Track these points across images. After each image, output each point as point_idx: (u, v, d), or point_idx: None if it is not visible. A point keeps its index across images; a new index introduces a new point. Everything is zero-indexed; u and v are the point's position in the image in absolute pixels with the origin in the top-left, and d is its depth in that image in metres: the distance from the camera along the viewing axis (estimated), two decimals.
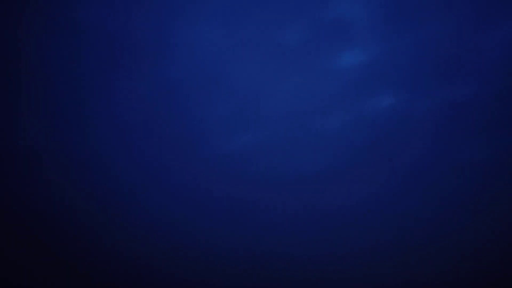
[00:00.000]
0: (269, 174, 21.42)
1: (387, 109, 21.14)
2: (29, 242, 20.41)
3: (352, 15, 20.68)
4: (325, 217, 21.16)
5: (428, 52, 19.85)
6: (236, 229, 21.41)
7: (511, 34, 18.60)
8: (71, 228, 21.22)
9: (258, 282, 21.11)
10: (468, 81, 19.56)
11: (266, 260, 20.76)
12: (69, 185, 21.13)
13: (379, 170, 21.84)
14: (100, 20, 20.35)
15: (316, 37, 20.78)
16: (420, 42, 19.96)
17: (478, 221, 20.15)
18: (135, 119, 20.34)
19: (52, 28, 18.68)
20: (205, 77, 20.92)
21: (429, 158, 20.86)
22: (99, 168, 20.64)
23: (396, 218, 21.58)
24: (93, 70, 19.86)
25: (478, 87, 19.57)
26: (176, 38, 20.68)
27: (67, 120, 20.44)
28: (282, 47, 20.95)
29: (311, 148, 21.61)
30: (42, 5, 18.22)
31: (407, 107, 20.47)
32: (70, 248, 21.32)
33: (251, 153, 21.39)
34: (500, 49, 18.73)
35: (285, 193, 21.19)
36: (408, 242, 20.76)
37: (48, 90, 19.31)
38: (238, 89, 20.94)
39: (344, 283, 21.04)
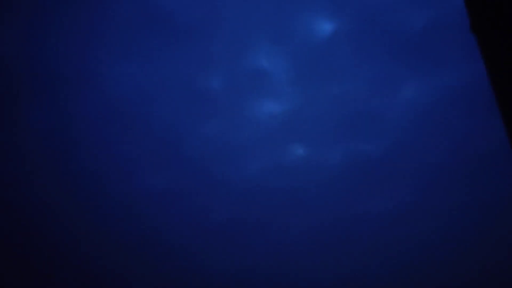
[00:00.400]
0: (184, 220, 21.27)
1: (301, 158, 22.13)
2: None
3: (271, 67, 21.76)
4: (232, 277, 21.23)
5: (339, 107, 21.21)
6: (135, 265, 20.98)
7: (411, 96, 20.38)
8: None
9: None
10: (373, 136, 21.02)
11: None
12: None
13: (293, 217, 22.50)
14: (16, 50, 19.91)
15: (236, 85, 21.56)
16: (332, 98, 21.30)
17: (384, 265, 21.09)
18: (44, 151, 19.75)
19: None
20: (123, 113, 20.85)
21: (339, 207, 21.88)
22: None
23: (307, 265, 22.11)
24: (4, 98, 19.28)
25: (382, 142, 21.07)
26: (95, 72, 20.59)
27: None
28: (203, 92, 21.50)
29: (226, 194, 21.86)
30: None
31: (319, 157, 21.55)
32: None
33: (166, 194, 21.35)
34: (402, 109, 20.42)
35: (196, 243, 20.99)
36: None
37: None
38: (157, 129, 21.06)
39: None
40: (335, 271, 20.64)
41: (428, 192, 20.06)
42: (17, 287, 18.71)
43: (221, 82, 21.59)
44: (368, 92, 20.66)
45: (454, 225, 19.11)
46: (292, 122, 21.37)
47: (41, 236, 19.14)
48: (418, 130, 20.27)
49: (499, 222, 18.91)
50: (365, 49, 20.35)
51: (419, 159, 20.27)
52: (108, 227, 20.32)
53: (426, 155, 20.14)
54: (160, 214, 21.12)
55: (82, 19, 20.39)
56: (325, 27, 20.90)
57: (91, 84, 20.46)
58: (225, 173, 21.47)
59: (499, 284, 18.52)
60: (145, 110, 21.21)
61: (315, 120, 21.21)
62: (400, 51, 20.02)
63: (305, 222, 21.43)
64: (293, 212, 21.14)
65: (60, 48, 20.27)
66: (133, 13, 20.65)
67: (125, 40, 20.59)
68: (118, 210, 20.69)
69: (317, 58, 21.10)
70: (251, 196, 21.36)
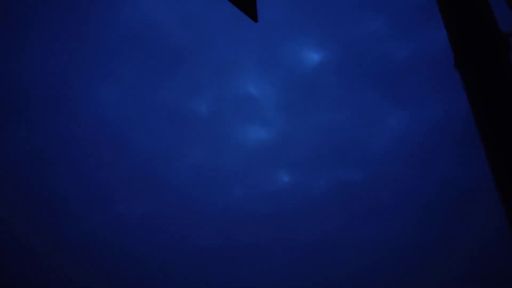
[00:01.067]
0: (167, 247, 20.89)
1: (287, 185, 22.08)
2: None
3: (258, 94, 21.88)
4: None
5: (325, 136, 21.33)
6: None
7: (396, 127, 20.61)
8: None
9: None
10: (358, 165, 21.13)
11: None
12: None
13: (278, 243, 22.33)
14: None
15: (222, 110, 21.60)
16: (318, 126, 21.43)
17: None
18: (18, 174, 19.38)
19: None
20: (105, 137, 20.66)
21: (323, 234, 21.79)
22: None
23: None
24: None
25: (367, 171, 21.17)
26: (77, 94, 20.47)
27: None
28: (189, 117, 21.47)
29: (210, 220, 21.60)
30: None
31: (304, 184, 21.53)
32: None
33: (149, 220, 21.03)
34: (387, 139, 20.62)
35: (179, 270, 20.61)
36: None
37: None
38: (140, 154, 20.87)
39: None
40: None
41: (412, 222, 20.11)
42: None
43: (207, 108, 21.62)
44: (353, 122, 20.85)
45: (437, 257, 19.11)
46: (278, 149, 21.41)
47: (7, 265, 18.61)
48: (403, 160, 20.44)
49: (483, 253, 18.96)
50: (352, 80, 20.63)
51: (403, 189, 20.36)
52: (86, 256, 19.86)
53: (410, 185, 20.26)
54: (143, 241, 20.76)
55: (67, 39, 20.38)
56: (313, 56, 21.18)
57: (72, 106, 20.33)
58: (209, 199, 21.31)
59: None
60: (129, 134, 21.07)
61: (301, 147, 21.29)
62: (386, 83, 20.33)
63: (290, 249, 21.27)
64: (277, 238, 20.98)
65: (42, 68, 20.18)
66: (119, 36, 20.73)
67: (110, 63, 20.59)
68: (98, 238, 20.25)
69: (304, 86, 21.30)
70: (236, 222, 21.18)
